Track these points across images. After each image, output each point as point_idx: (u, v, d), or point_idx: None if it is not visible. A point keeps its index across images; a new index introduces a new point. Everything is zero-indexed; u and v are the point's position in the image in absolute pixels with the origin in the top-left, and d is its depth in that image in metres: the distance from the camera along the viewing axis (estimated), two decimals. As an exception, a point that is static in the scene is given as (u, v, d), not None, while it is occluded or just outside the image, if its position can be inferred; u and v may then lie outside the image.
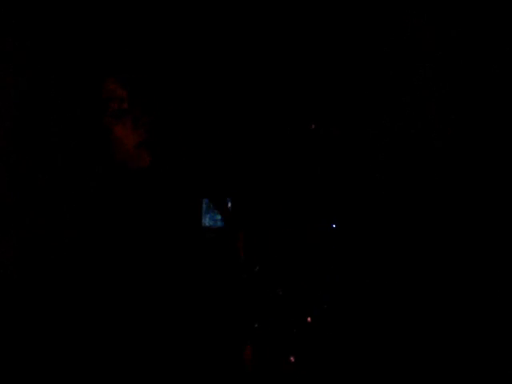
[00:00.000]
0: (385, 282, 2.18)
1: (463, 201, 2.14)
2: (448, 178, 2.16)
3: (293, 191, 2.27)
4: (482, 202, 2.11)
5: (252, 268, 2.20)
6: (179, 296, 1.40)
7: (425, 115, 2.20)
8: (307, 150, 2.27)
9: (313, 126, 2.20)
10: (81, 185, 1.29)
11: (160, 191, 1.41)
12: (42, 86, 1.41)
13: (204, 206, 2.13)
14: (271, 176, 2.27)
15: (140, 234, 1.34)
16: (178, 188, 1.46)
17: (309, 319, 2.18)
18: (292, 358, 2.13)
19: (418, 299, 2.13)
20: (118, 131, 1.30)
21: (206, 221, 2.17)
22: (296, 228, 2.27)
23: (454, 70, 2.18)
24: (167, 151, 1.51)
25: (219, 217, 2.14)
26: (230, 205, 2.17)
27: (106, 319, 1.24)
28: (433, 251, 2.15)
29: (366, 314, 2.17)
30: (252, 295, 2.16)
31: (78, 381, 1.21)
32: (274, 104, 2.28)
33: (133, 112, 1.35)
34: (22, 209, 1.26)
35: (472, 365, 2.02)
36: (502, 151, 2.09)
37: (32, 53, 1.50)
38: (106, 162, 1.31)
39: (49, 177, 1.28)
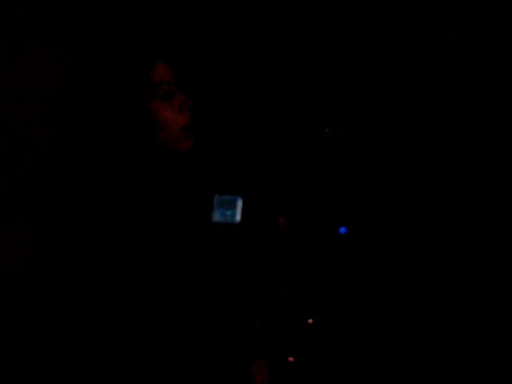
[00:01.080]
0: (387, 285, 2.20)
1: (465, 205, 2.17)
2: (451, 181, 2.19)
3: (303, 192, 2.29)
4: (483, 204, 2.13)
5: (257, 266, 2.20)
6: (182, 289, 1.39)
7: (424, 118, 2.23)
8: (319, 152, 2.28)
9: (327, 130, 2.22)
10: (127, 169, 1.28)
11: (200, 175, 1.47)
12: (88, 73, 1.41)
13: (215, 200, 2.12)
14: (282, 175, 2.28)
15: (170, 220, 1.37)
16: (218, 176, 1.53)
17: (310, 321, 2.19)
18: (291, 359, 2.13)
19: (419, 301, 2.15)
20: (165, 113, 1.35)
21: (216, 216, 2.15)
22: (303, 228, 2.28)
23: (453, 71, 2.21)
24: (210, 135, 1.56)
25: (229, 212, 2.13)
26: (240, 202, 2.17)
27: (108, 310, 1.23)
28: (434, 253, 2.17)
29: (368, 317, 2.19)
30: (254, 293, 2.16)
31: (77, 381, 1.20)
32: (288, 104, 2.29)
33: (179, 95, 1.38)
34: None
35: (472, 365, 2.04)
36: (501, 152, 2.12)
37: (79, 41, 1.48)
38: (152, 145, 1.35)
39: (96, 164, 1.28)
